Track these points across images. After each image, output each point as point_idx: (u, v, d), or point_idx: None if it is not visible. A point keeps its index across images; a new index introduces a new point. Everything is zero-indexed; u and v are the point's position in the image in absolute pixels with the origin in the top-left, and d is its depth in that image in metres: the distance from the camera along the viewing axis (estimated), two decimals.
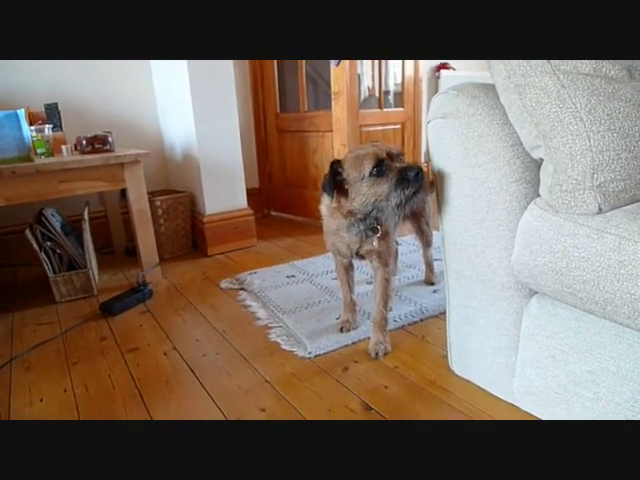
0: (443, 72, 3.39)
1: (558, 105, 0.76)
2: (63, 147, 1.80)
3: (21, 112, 1.58)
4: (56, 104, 2.00)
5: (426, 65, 3.35)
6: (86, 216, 1.83)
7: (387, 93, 3.02)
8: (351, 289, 1.42)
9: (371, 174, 1.06)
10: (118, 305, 1.65)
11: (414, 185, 1.03)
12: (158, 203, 2.18)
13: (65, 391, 1.19)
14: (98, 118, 2.33)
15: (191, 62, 2.05)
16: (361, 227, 1.18)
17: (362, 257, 1.28)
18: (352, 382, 1.16)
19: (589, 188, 0.75)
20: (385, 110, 2.83)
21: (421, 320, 1.44)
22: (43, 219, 1.75)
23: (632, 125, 0.75)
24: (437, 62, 3.42)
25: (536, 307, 0.91)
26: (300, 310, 1.55)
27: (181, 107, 2.22)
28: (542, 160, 0.83)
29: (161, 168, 2.61)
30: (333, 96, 2.31)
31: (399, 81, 3.06)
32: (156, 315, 1.62)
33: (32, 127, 1.75)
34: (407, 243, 2.14)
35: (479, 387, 1.09)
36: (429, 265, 1.69)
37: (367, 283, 1.73)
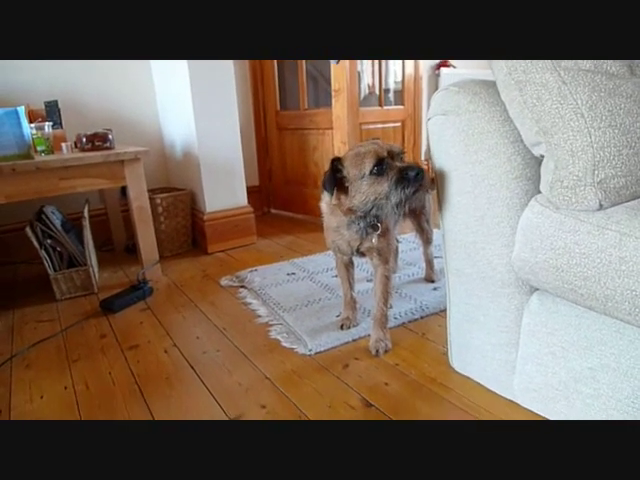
0: (443, 70, 3.39)
1: (559, 101, 0.76)
2: (63, 145, 1.80)
3: (21, 109, 1.58)
4: (56, 101, 2.00)
5: (426, 63, 3.35)
6: (86, 214, 1.83)
7: (387, 91, 3.02)
8: (351, 286, 1.42)
9: (371, 173, 1.06)
10: (118, 302, 1.65)
11: (414, 185, 1.03)
12: (158, 201, 2.18)
13: (65, 388, 1.19)
14: (98, 115, 2.33)
15: (191, 60, 2.05)
16: (361, 224, 1.18)
17: (362, 254, 1.28)
18: (352, 379, 1.16)
19: (590, 184, 0.75)
20: (385, 108, 2.83)
21: (421, 317, 1.44)
22: (43, 217, 1.74)
23: (633, 121, 0.75)
24: (437, 60, 3.42)
25: (537, 304, 0.91)
26: (300, 307, 1.55)
27: (181, 104, 2.21)
28: (543, 157, 0.83)
29: (161, 166, 2.61)
30: (333, 93, 2.30)
31: (399, 79, 3.06)
32: (156, 312, 1.62)
33: (32, 124, 1.75)
34: (407, 241, 2.14)
35: (479, 384, 1.09)
36: (429, 263, 1.69)
37: (367, 281, 1.73)
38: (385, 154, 1.06)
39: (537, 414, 0.96)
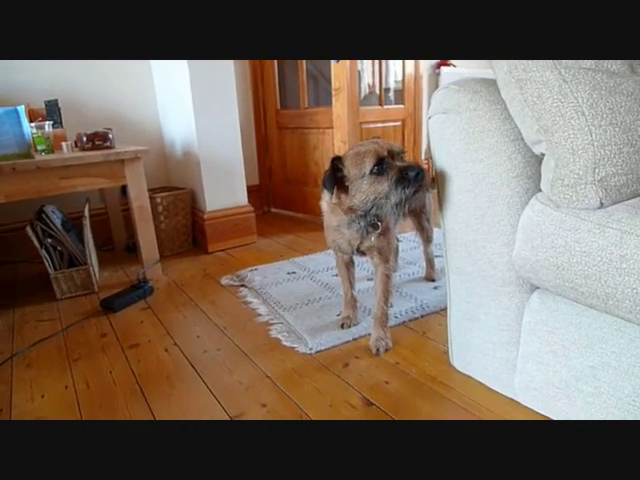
0: (443, 69, 3.38)
1: (560, 99, 0.76)
2: (63, 144, 1.80)
3: (21, 109, 1.58)
4: (56, 101, 2.00)
5: (426, 62, 3.34)
6: (87, 213, 1.83)
7: (387, 90, 3.02)
8: (352, 285, 1.42)
9: (372, 172, 1.05)
10: (119, 302, 1.65)
11: (414, 184, 1.03)
12: (158, 200, 2.18)
13: (66, 387, 1.19)
14: (98, 115, 2.33)
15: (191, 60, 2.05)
16: (362, 223, 1.18)
17: (363, 253, 1.28)
18: (353, 378, 1.16)
19: (591, 182, 0.75)
20: (385, 107, 2.83)
21: (422, 316, 1.44)
22: (44, 216, 1.74)
23: (634, 119, 0.75)
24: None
25: (537, 302, 0.91)
26: (301, 306, 1.55)
27: (181, 103, 2.21)
28: (543, 155, 0.83)
29: (161, 165, 2.61)
30: (333, 92, 2.30)
31: (399, 78, 3.06)
32: (157, 311, 1.62)
33: (32, 124, 1.75)
34: (408, 240, 2.14)
35: (480, 383, 1.09)
36: (430, 262, 1.69)
37: (368, 280, 1.73)
38: (385, 153, 1.06)
39: (538, 413, 0.96)
